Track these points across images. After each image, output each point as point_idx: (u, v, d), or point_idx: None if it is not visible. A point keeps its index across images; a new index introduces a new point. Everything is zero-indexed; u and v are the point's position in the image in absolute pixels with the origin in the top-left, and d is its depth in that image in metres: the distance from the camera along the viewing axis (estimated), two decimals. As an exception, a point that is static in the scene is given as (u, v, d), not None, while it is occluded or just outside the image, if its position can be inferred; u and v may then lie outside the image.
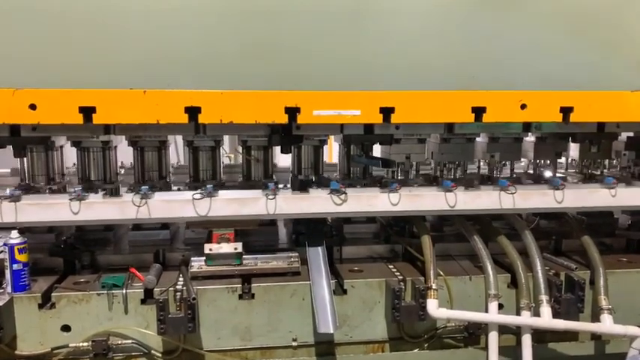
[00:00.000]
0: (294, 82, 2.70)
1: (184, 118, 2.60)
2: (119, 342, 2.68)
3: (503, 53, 2.90)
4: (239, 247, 2.90)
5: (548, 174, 3.52)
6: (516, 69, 2.91)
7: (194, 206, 2.79)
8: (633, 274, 3.08)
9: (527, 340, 2.78)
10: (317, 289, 2.78)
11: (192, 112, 2.60)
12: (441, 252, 3.14)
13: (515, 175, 3.75)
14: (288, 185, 3.29)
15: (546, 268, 2.95)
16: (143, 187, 2.82)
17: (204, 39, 2.70)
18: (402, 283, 2.83)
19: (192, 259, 2.93)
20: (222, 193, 2.92)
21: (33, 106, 2.50)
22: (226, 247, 2.88)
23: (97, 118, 2.55)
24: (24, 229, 2.78)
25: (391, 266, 3.08)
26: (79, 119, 2.54)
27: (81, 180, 3.28)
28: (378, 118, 2.74)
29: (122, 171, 3.90)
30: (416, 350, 2.92)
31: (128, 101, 2.56)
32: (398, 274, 2.95)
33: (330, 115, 2.70)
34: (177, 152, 4.90)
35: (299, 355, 2.85)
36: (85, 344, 2.63)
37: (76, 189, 2.80)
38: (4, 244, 2.67)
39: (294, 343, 2.82)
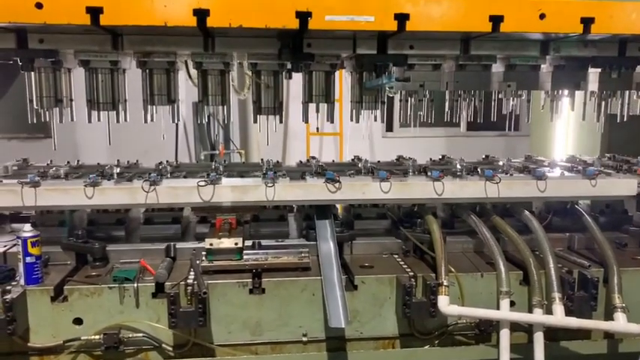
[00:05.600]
0: None
1: (192, 21, 2.55)
2: (130, 335, 2.69)
3: None
4: (239, 242, 2.89)
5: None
6: None
7: (199, 192, 2.95)
8: (647, 272, 3.05)
9: (539, 338, 2.75)
10: (328, 284, 2.76)
11: (201, 14, 2.55)
12: (452, 248, 3.11)
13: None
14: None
15: (559, 265, 2.92)
16: (152, 175, 2.97)
17: None
18: (412, 280, 2.81)
19: (203, 253, 2.93)
20: (226, 181, 3.06)
21: (39, 5, 2.48)
22: (227, 243, 2.89)
23: (104, 19, 2.52)
24: (37, 223, 2.80)
25: (402, 262, 3.06)
26: (85, 20, 2.51)
27: (89, 102, 3.21)
28: (393, 25, 2.65)
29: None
30: (426, 347, 2.91)
31: (136, 2, 2.53)
32: (409, 270, 2.93)
33: (342, 20, 2.61)
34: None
35: (309, 351, 2.84)
36: (97, 337, 2.64)
37: (90, 175, 2.94)
38: (17, 237, 2.69)
39: (304, 339, 2.82)
